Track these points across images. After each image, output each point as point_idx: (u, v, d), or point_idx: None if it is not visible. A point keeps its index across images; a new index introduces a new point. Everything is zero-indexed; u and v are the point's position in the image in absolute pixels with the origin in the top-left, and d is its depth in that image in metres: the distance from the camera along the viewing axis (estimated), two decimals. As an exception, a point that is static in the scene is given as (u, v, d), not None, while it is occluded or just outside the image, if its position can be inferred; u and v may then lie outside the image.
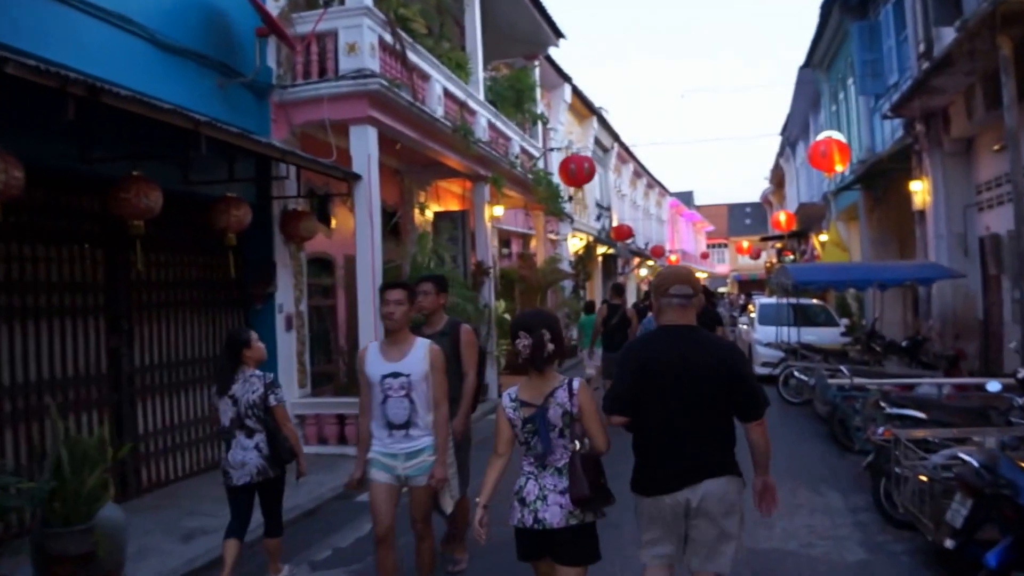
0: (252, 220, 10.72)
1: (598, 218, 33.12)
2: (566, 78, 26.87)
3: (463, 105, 14.74)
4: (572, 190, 25.37)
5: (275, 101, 11.11)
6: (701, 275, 67.91)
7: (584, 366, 15.28)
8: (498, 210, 16.81)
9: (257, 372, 5.97)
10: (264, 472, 5.82)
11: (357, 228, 10.99)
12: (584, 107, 30.45)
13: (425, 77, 13.00)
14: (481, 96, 16.09)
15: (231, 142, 8.15)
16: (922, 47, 14.15)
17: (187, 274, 10.10)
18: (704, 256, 72.50)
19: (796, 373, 14.41)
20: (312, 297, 12.23)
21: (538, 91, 21.33)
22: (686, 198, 69.49)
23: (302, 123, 11.16)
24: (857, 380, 10.56)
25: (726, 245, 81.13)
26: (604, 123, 33.37)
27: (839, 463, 10.14)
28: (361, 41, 10.84)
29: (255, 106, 10.94)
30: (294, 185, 11.35)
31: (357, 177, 10.89)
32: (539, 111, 21.48)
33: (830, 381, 10.99)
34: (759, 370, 17.49)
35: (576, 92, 28.33)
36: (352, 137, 11.01)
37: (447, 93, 13.88)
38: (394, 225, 15.37)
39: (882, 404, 8.40)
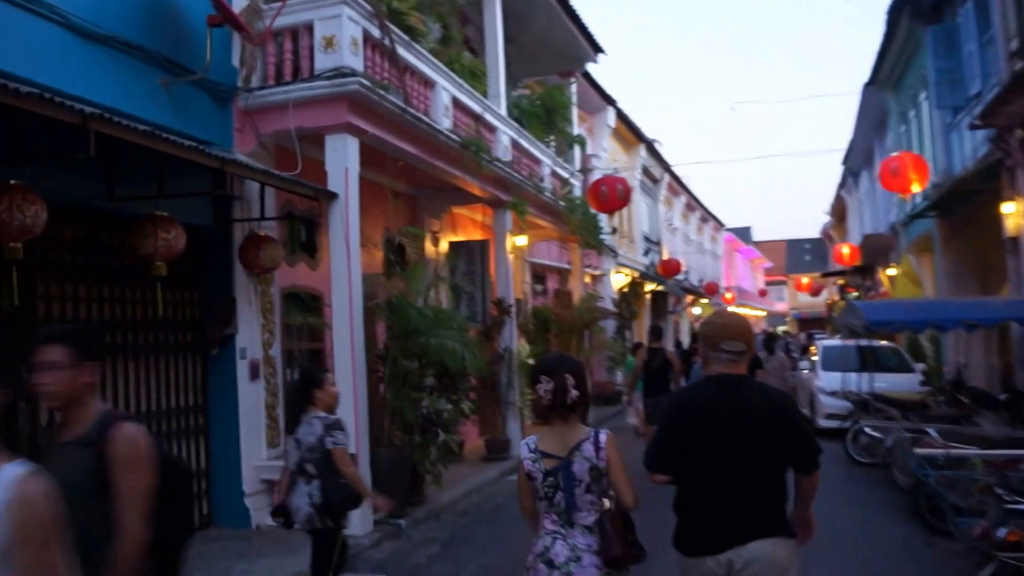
0: (209, 247, 9.04)
1: (646, 253, 31.02)
2: (609, 100, 24.96)
3: (478, 119, 12.88)
4: (612, 219, 23.42)
5: (240, 107, 9.35)
6: (759, 314, 65.33)
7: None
8: (521, 240, 14.87)
9: (320, 414, 5.71)
10: (311, 522, 5.57)
11: (331, 257, 9.14)
12: (630, 133, 28.46)
13: (428, 83, 11.17)
14: (503, 111, 14.21)
15: (131, 140, 6.31)
16: (1014, 44, 11.97)
17: (117, 313, 8.27)
18: (762, 294, 69.73)
19: (868, 430, 12.18)
20: (293, 340, 10.37)
21: (574, 111, 19.42)
22: (743, 234, 66.95)
23: (272, 133, 9.38)
24: (954, 451, 8.34)
25: (785, 282, 78.25)
26: (653, 151, 31.34)
27: (928, 553, 7.94)
28: (340, 35, 9.05)
29: (214, 113, 9.20)
30: (271, 205, 9.61)
31: (331, 195, 9.05)
32: (576, 133, 19.55)
33: (917, 451, 8.76)
34: (823, 423, 15.26)
35: (621, 116, 26.37)
36: (328, 148, 9.20)
37: (457, 104, 12.03)
38: (402, 257, 13.53)
39: (997, 491, 6.22)
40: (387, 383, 9.34)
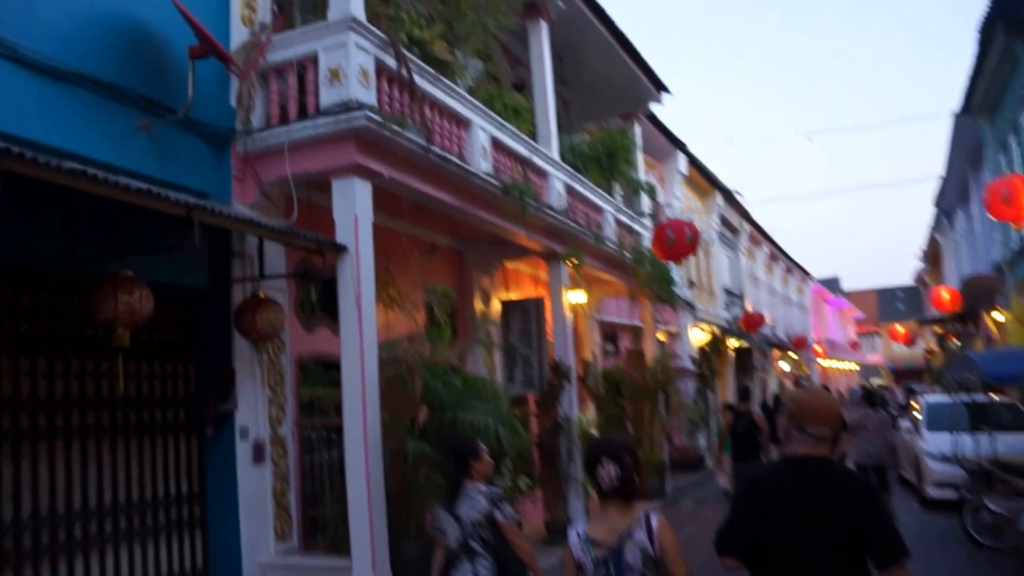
0: (206, 313, 7.88)
1: (728, 307, 29.23)
2: (679, 145, 23.53)
3: (525, 163, 11.60)
4: (688, 271, 21.92)
5: (239, 153, 8.22)
6: (851, 367, 62.37)
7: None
8: (578, 296, 13.41)
9: (482, 487, 5.52)
10: None
11: (341, 319, 7.83)
12: (704, 180, 26.94)
13: (461, 121, 9.94)
14: (555, 154, 12.91)
15: (60, 182, 5.13)
16: None
17: (88, 389, 7.07)
18: (854, 345, 66.71)
19: (991, 505, 10.31)
20: (311, 415, 9.09)
21: (639, 155, 18.01)
22: (832, 285, 64.22)
23: (276, 180, 8.20)
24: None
25: (877, 333, 74.96)
26: (731, 198, 29.69)
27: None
28: (346, 65, 7.87)
29: (209, 160, 8.11)
30: (280, 262, 8.45)
31: (338, 248, 7.79)
32: (643, 179, 18.14)
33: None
34: (932, 492, 13.37)
35: (693, 162, 24.89)
36: (335, 193, 7.97)
37: (499, 145, 10.77)
38: (450, 319, 12.24)
39: None
40: (409, 466, 7.96)
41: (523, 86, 14.33)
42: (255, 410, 8.09)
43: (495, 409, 7.84)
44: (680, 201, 24.64)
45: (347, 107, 7.74)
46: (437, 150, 8.83)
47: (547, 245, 12.40)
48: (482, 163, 10.09)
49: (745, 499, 3.86)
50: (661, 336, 22.30)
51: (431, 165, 8.86)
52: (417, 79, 8.77)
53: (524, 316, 13.10)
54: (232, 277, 8.06)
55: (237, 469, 7.82)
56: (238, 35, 8.42)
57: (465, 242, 12.76)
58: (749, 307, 31.31)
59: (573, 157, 14.50)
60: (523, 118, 11.93)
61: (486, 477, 5.64)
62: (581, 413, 13.58)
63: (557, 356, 12.67)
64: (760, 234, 35.51)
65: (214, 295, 8.00)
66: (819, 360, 47.93)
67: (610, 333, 20.00)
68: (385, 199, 8.62)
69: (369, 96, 7.97)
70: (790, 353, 36.51)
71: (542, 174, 12.29)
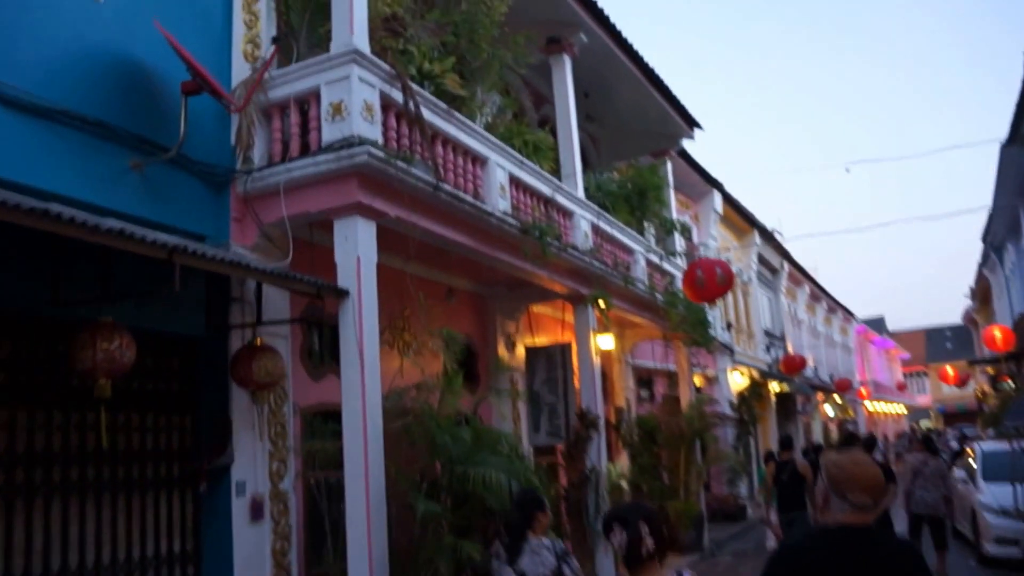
0: (204, 361, 7.45)
1: (768, 349, 28.41)
2: (714, 183, 22.97)
3: (548, 201, 11.13)
4: (721, 312, 21.27)
5: (238, 193, 7.83)
6: (899, 410, 60.81)
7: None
8: (607, 340, 12.85)
9: (545, 541, 5.38)
10: None
11: (342, 367, 7.35)
12: (741, 218, 26.30)
13: (477, 159, 9.50)
14: (580, 192, 12.44)
15: (20, 223, 4.72)
16: None
17: (70, 442, 6.62)
18: (900, 387, 65.09)
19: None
20: (318, 468, 8.58)
21: (671, 193, 17.48)
22: (877, 325, 62.85)
23: (276, 221, 7.78)
24: None
25: (925, 373, 73.19)
26: (769, 237, 28.98)
27: None
28: (349, 100, 7.47)
29: (207, 201, 7.73)
30: (283, 307, 8.02)
31: (339, 292, 7.33)
32: (676, 218, 17.58)
33: None
34: (991, 549, 12.52)
35: (728, 200, 24.30)
36: (336, 234, 7.54)
37: (517, 183, 10.31)
38: (470, 366, 11.74)
39: None
40: (418, 524, 7.42)
41: (548, 123, 13.91)
42: (253, 464, 7.60)
43: (509, 463, 7.27)
44: (716, 240, 24.02)
45: (349, 143, 7.32)
46: (448, 188, 8.39)
47: (572, 287, 11.89)
48: (500, 202, 9.64)
49: (776, 568, 3.53)
50: (698, 381, 21.59)
51: (442, 204, 8.40)
52: (427, 114, 8.36)
53: (549, 362, 12.54)
54: (230, 324, 7.62)
55: (233, 527, 7.32)
56: (240, 72, 8.08)
57: (487, 286, 12.28)
58: (790, 349, 30.45)
59: (601, 196, 14.02)
60: (545, 155, 11.47)
61: (546, 529, 5.45)
62: (612, 463, 12.95)
63: (584, 404, 12.10)
64: (801, 273, 34.69)
65: (212, 343, 7.57)
66: (865, 403, 46.64)
67: (645, 378, 19.38)
68: (396, 241, 8.19)
69: (374, 132, 7.55)
70: (834, 396, 35.43)
71: (566, 213, 11.82)
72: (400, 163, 7.59)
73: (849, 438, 18.29)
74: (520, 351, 12.81)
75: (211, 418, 7.52)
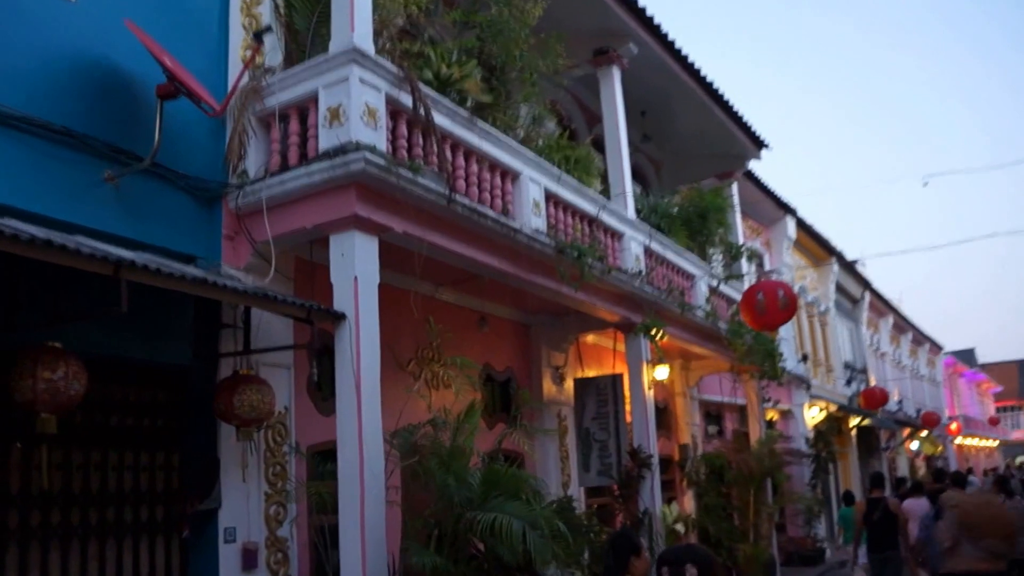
0: (193, 394, 6.71)
1: (848, 382, 26.86)
2: (786, 208, 21.76)
3: (592, 221, 10.23)
4: (793, 343, 20.01)
5: (231, 209, 7.11)
6: (991, 444, 57.89)
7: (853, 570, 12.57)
8: (662, 372, 11.79)
9: None
10: None
11: (338, 399, 6.52)
12: (817, 245, 24.95)
13: (506, 172, 8.67)
14: (631, 213, 11.50)
15: None
16: None
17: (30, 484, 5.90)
18: (993, 422, 61.89)
19: None
20: (323, 512, 7.73)
21: (737, 216, 16.39)
22: (967, 357, 59.98)
23: (271, 239, 7.03)
24: None
25: (1020, 407, 69.75)
26: (847, 265, 27.52)
27: None
28: (347, 103, 6.69)
29: (196, 217, 7.02)
30: (285, 333, 7.25)
31: (337, 317, 6.52)
32: (744, 243, 16.47)
33: None
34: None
35: (802, 226, 23.02)
36: (332, 251, 6.74)
37: (554, 200, 9.44)
38: (508, 399, 10.87)
39: None
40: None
41: (601, 143, 13.04)
42: (246, 508, 6.80)
43: (527, 508, 6.30)
44: (790, 269, 22.75)
45: (345, 150, 6.53)
46: (465, 201, 7.54)
47: (623, 315, 10.93)
48: (533, 219, 8.77)
49: None
50: (772, 416, 20.33)
51: (458, 219, 7.56)
52: (445, 122, 7.57)
53: (599, 396, 11.58)
54: (220, 352, 6.86)
55: (220, 579, 6.52)
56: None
57: (530, 314, 11.41)
58: (872, 382, 28.77)
59: (656, 218, 13.04)
60: (589, 171, 10.58)
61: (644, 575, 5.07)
62: (668, 505, 11.85)
63: (637, 441, 11.07)
64: (883, 303, 32.98)
65: (199, 373, 6.80)
66: (954, 438, 44.24)
67: (713, 413, 18.20)
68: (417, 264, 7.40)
69: (376, 138, 6.75)
70: (921, 432, 33.47)
71: (614, 234, 10.89)
72: (405, 172, 6.78)
73: (939, 474, 16.85)
74: (569, 385, 11.87)
75: (199, 457, 6.76)
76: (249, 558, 6.72)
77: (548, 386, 11.49)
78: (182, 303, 6.46)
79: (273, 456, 7.12)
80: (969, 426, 48.35)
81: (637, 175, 16.10)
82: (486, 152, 8.28)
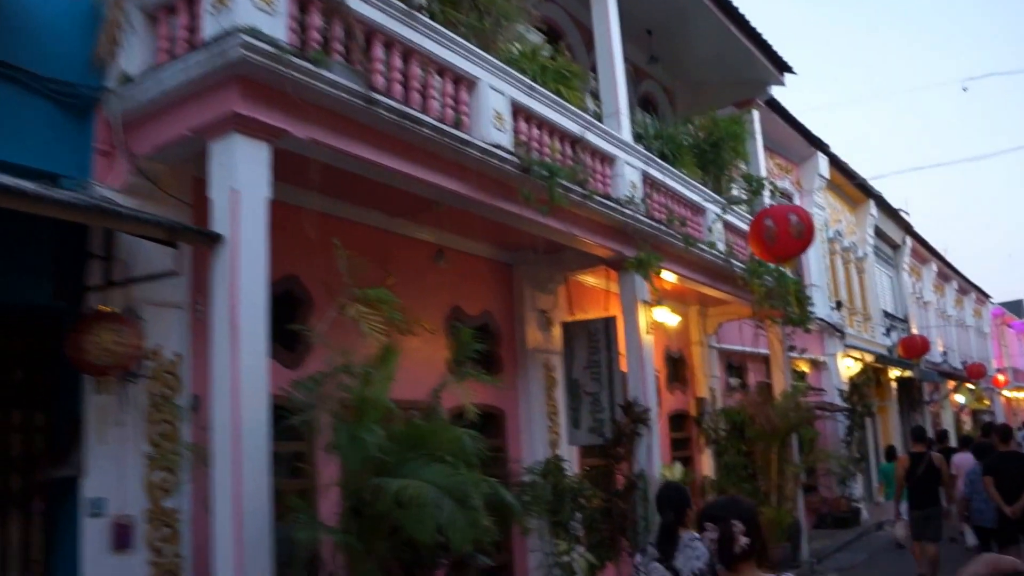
0: (53, 342, 5.54)
1: (888, 332, 25.24)
2: (818, 145, 20.11)
3: (577, 142, 8.88)
4: (827, 289, 18.54)
5: (106, 118, 5.87)
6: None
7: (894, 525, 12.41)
8: (662, 314, 10.38)
9: (694, 535, 4.85)
10: None
11: (213, 339, 5.30)
12: (853, 185, 23.25)
13: (461, 79, 7.34)
14: (626, 135, 10.09)
15: None
16: None
17: None
18: (1043, 374, 59.54)
19: None
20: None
21: (757, 147, 14.86)
22: (1016, 307, 57.53)
23: (152, 151, 5.80)
24: None
25: (1072, 359, 67.09)
26: (887, 208, 25.78)
27: None
28: (233, -21, 5.39)
29: (64, 129, 5.77)
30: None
31: (210, 239, 5.27)
32: (772, 181, 14.93)
33: None
34: None
35: (836, 164, 21.35)
36: (211, 161, 5.48)
37: (525, 114, 8.10)
38: (488, 350, 9.60)
39: None
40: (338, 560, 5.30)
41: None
42: (119, 476, 5.62)
43: (450, 474, 5.03)
44: (823, 211, 21.15)
45: (225, 37, 5.24)
46: (392, 103, 6.21)
47: (616, 250, 9.58)
48: (493, 133, 7.44)
49: None
50: (804, 367, 18.92)
51: (384, 126, 6.24)
52: (371, 13, 6.24)
53: (591, 342, 10.26)
54: (86, 287, 5.66)
55: (83, 558, 5.37)
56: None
57: (513, 251, 10.10)
58: (914, 332, 27.07)
59: (660, 145, 11.62)
60: (572, 86, 9.21)
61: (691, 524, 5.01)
62: (671, 467, 10.53)
63: (633, 393, 9.77)
64: (926, 249, 31.11)
65: (65, 315, 5.61)
66: (1002, 391, 42.24)
67: (736, 364, 16.80)
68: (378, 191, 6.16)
69: (272, 25, 5.45)
70: (967, 384, 31.70)
71: (606, 159, 9.53)
72: (304, 64, 5.48)
73: (986, 428, 15.43)
74: (558, 332, 10.57)
75: (62, 416, 5.59)
76: (122, 535, 5.54)
77: (533, 332, 10.21)
78: (40, 232, 5.28)
79: (159, 412, 5.92)
80: (1017, 378, 46.25)
81: (648, 104, 14.67)
82: (431, 53, 6.94)
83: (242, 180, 5.29)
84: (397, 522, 4.97)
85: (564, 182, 7.95)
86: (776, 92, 15.89)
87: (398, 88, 6.51)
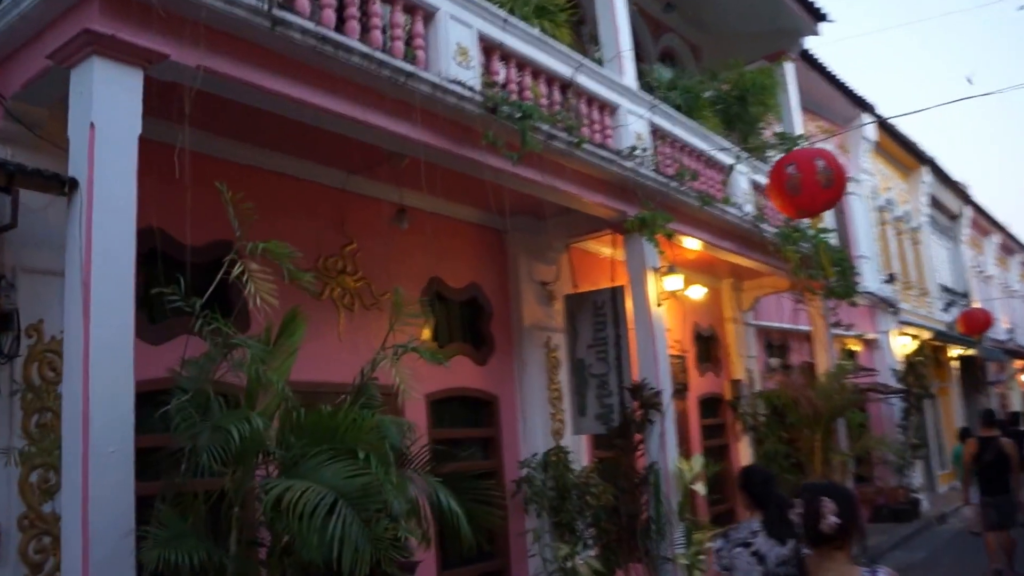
0: None
1: (947, 308, 23.62)
2: (863, 105, 18.62)
3: (568, 86, 7.77)
4: (878, 260, 17.18)
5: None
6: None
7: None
8: (673, 282, 9.14)
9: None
10: None
11: (65, 304, 4.29)
12: (904, 151, 21.67)
13: (416, 8, 6.30)
14: (628, 81, 8.93)
15: None
16: None
17: None
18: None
19: None
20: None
21: (791, 101, 13.56)
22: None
23: (25, 88, 4.83)
24: None
25: None
26: (942, 175, 24.13)
27: None
28: None
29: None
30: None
31: (61, 184, 4.26)
32: (798, 133, 13.59)
33: None
34: None
35: (885, 126, 19.82)
36: (71, 92, 4.46)
37: (497, 50, 7.01)
38: (477, 328, 8.60)
39: None
40: None
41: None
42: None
43: (352, 473, 3.95)
44: (872, 177, 19.68)
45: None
46: (308, 26, 5.13)
47: (619, 209, 8.45)
48: (455, 70, 6.36)
49: None
50: (855, 345, 17.55)
51: (299, 53, 5.17)
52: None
53: (596, 316, 9.12)
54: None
55: None
56: None
57: (505, 216, 8.99)
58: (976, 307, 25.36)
59: (675, 96, 10.42)
60: (556, 23, 8.08)
61: None
62: (689, 460, 9.32)
63: (642, 374, 8.61)
64: (987, 220, 29.26)
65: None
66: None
67: (776, 343, 15.52)
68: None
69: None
70: (1034, 362, 29.82)
71: (605, 107, 8.41)
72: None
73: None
74: (560, 306, 9.45)
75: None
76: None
77: (531, 307, 9.12)
78: None
79: (39, 400, 4.94)
80: (1093, 356, 43.99)
81: (669, 61, 13.46)
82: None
83: (102, 113, 4.26)
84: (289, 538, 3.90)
85: (544, 127, 6.83)
86: (814, 47, 14.63)
87: (329, 16, 5.46)
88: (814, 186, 7.77)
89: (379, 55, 5.58)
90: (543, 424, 8.92)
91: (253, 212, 4.36)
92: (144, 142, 4.43)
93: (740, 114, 11.62)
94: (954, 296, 24.77)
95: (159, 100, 4.55)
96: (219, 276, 4.35)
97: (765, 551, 4.71)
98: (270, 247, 4.33)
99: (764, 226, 10.87)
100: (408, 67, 5.81)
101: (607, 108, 8.48)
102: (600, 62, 8.93)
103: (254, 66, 4.96)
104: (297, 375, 5.87)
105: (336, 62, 5.34)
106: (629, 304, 8.92)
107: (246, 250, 4.32)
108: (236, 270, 4.23)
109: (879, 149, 20.28)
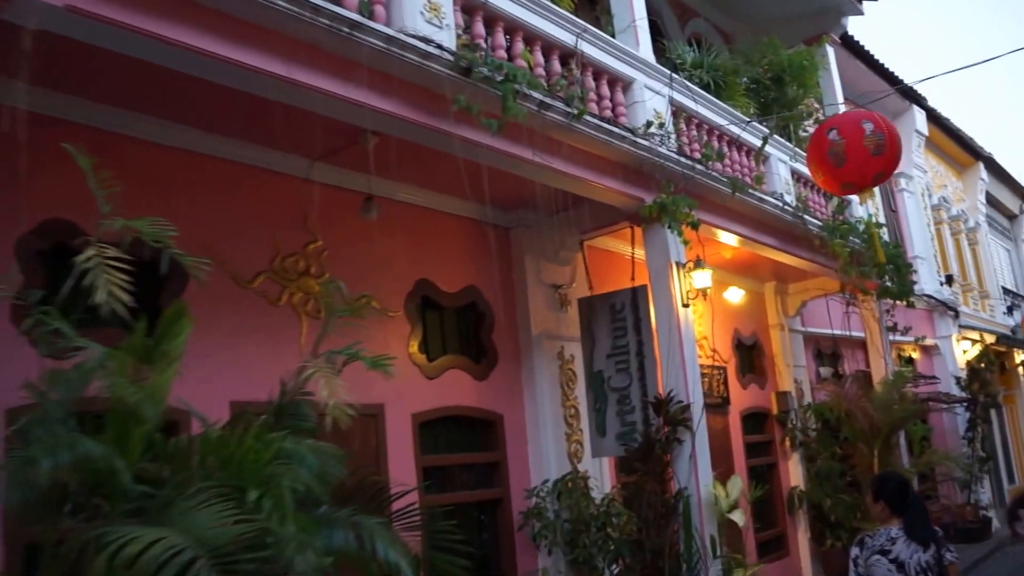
0: None
1: (1010, 310, 22.14)
2: (914, 98, 17.35)
3: (569, 55, 6.73)
4: (934, 260, 15.88)
5: None
6: None
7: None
8: (701, 278, 7.92)
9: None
10: None
11: None
12: (957, 146, 20.32)
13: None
14: (644, 52, 7.85)
15: None
16: None
17: None
18: None
19: None
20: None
21: (835, 83, 12.38)
22: None
23: None
24: None
25: None
26: (1000, 172, 22.68)
27: None
28: None
29: None
30: None
31: None
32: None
33: None
34: None
35: (935, 120, 18.51)
36: None
37: (483, 12, 5.97)
38: (476, 336, 7.53)
39: None
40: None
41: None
42: None
43: (221, 522, 2.88)
44: (924, 174, 18.36)
45: None
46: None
47: (637, 196, 7.36)
48: (423, 26, 5.31)
49: None
50: (913, 352, 16.23)
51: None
52: None
53: (615, 321, 7.99)
54: None
55: None
56: None
57: (508, 210, 7.96)
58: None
59: (702, 74, 9.32)
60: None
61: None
62: (725, 484, 8.13)
63: (667, 386, 7.46)
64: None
65: None
66: None
67: (827, 352, 14.27)
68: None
69: None
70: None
71: (616, 81, 7.35)
72: None
73: None
74: (575, 312, 8.33)
75: None
76: None
77: (540, 313, 8.02)
78: None
79: None
80: None
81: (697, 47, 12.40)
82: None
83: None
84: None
85: (535, 94, 5.77)
86: (857, 32, 13.45)
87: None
88: (861, 153, 6.49)
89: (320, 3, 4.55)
90: (556, 446, 7.80)
91: (112, 182, 3.33)
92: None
93: (777, 98, 10.47)
94: (1016, 299, 23.29)
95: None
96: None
97: (905, 558, 4.66)
98: (139, 225, 3.30)
99: (808, 218, 9.70)
100: (352, 15, 4.77)
101: (620, 83, 7.43)
102: (613, 35, 7.88)
103: (148, 12, 3.95)
104: (247, 394, 4.96)
105: (256, 6, 4.32)
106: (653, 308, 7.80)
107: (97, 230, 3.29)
108: (82, 257, 3.21)
109: (931, 144, 19.00)
